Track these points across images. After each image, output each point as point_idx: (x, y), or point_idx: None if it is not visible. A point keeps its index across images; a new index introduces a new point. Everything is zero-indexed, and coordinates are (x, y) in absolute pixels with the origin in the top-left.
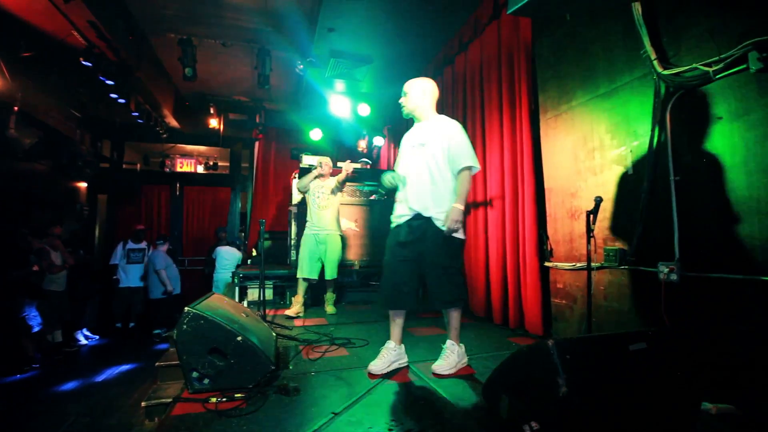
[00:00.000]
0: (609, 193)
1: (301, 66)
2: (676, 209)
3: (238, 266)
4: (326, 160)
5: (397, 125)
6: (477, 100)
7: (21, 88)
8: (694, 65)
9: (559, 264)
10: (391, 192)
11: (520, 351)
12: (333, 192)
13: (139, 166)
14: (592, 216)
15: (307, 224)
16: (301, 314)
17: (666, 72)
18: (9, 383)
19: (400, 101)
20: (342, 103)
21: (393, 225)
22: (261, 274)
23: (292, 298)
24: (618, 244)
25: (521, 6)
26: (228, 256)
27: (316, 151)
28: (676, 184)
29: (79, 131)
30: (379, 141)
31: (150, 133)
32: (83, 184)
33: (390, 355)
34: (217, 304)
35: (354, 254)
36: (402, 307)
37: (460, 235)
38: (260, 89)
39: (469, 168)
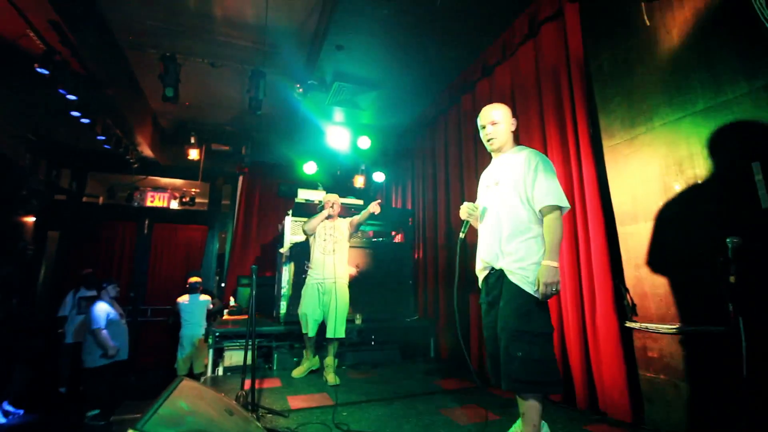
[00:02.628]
0: (732, 231)
1: (301, 89)
2: None
3: (211, 319)
4: (335, 198)
5: (399, 161)
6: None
7: None
8: None
9: (652, 326)
10: (469, 229)
11: None
12: (350, 235)
13: (101, 199)
14: (729, 263)
15: (310, 272)
16: (315, 366)
17: None
18: None
19: (487, 133)
20: (340, 135)
21: (479, 281)
22: (251, 331)
23: (304, 352)
24: (752, 301)
25: None
26: (195, 308)
27: (308, 186)
28: None
29: (30, 156)
30: (379, 177)
31: (119, 162)
32: (31, 219)
33: None
34: (183, 409)
35: (354, 307)
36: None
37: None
38: (247, 118)
39: (557, 208)
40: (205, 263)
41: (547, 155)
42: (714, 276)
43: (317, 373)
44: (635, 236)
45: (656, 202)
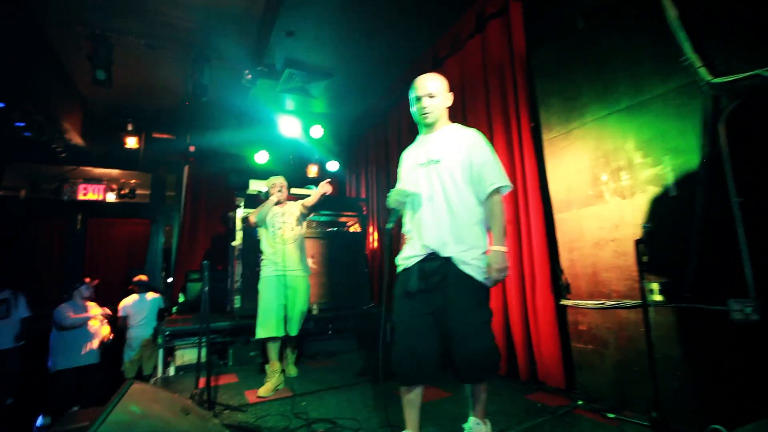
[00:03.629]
0: (647, 217)
1: (249, 76)
2: (744, 236)
3: (162, 316)
4: (281, 181)
5: (353, 150)
6: (458, 121)
7: None
8: (756, 72)
9: (582, 302)
10: (398, 219)
11: None
12: (299, 220)
13: (23, 192)
14: (642, 246)
15: (265, 263)
16: (281, 386)
17: (718, 80)
18: None
19: (422, 105)
20: (292, 124)
21: (399, 269)
22: (205, 328)
23: (267, 366)
24: (661, 278)
25: None
26: (144, 308)
27: (260, 176)
28: (740, 207)
29: None
30: (333, 166)
31: (42, 151)
32: None
33: None
34: (135, 413)
35: (311, 296)
36: (423, 380)
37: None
38: (192, 104)
39: (499, 190)
40: (149, 259)
41: (493, 146)
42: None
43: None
44: (569, 222)
45: (586, 191)
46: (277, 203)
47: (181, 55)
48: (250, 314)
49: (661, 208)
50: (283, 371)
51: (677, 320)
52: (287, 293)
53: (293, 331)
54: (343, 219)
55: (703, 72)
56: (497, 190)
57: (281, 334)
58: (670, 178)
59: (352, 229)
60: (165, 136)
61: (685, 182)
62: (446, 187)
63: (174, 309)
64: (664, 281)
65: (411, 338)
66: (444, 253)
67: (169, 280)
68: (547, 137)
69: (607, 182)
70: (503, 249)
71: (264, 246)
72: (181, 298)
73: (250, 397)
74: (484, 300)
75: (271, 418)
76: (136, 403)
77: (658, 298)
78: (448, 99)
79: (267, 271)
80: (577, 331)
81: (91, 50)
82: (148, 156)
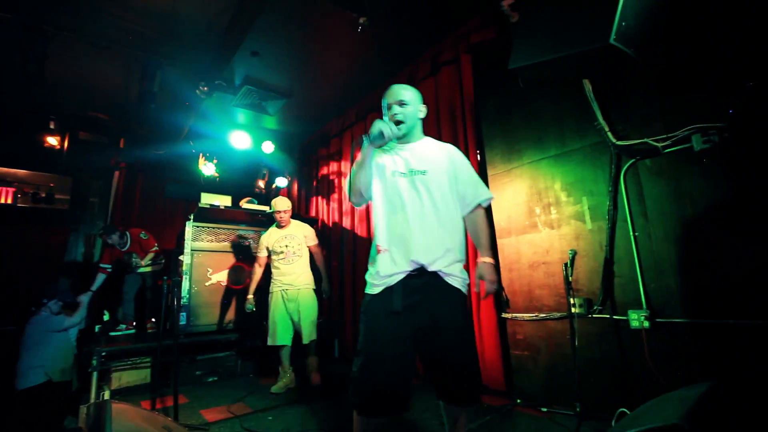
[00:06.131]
0: (571, 245)
1: (206, 88)
2: (638, 262)
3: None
4: (284, 206)
5: (303, 168)
6: None
7: None
8: (645, 140)
9: (519, 315)
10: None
11: None
12: (304, 242)
13: None
14: (569, 267)
15: (273, 280)
16: (292, 385)
17: (620, 143)
18: None
19: (394, 113)
20: (242, 138)
21: (378, 288)
22: (157, 347)
23: (279, 368)
24: (582, 294)
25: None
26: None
27: (206, 188)
28: (635, 239)
29: None
30: (281, 182)
31: None
32: None
33: None
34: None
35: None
36: (396, 410)
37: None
38: (128, 107)
39: (482, 203)
40: (66, 272)
41: None
42: (570, 276)
43: (229, 385)
44: (509, 246)
45: (524, 221)
46: (280, 226)
47: (127, 59)
48: (196, 332)
49: (581, 238)
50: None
51: (594, 329)
52: (294, 307)
53: (304, 340)
54: None
55: (610, 135)
56: (481, 204)
57: (287, 342)
58: (588, 214)
59: None
60: (94, 137)
61: (598, 218)
62: (435, 200)
63: (96, 328)
64: (584, 297)
65: (388, 365)
66: (432, 267)
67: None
68: (491, 173)
69: (540, 215)
70: (492, 261)
71: (272, 266)
72: (106, 316)
73: (208, 415)
74: (470, 314)
75: None
76: (127, 420)
77: (579, 310)
78: (422, 111)
79: (274, 287)
80: (515, 340)
81: (23, 41)
82: (70, 159)
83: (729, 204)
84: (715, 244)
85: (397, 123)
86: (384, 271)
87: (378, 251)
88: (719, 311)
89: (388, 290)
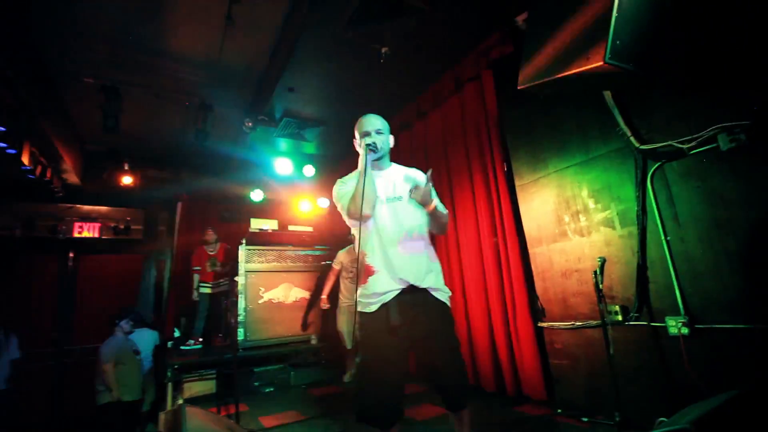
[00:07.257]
0: (602, 252)
1: (250, 124)
2: (673, 266)
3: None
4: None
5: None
6: (442, 166)
7: None
8: (669, 143)
9: (555, 324)
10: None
11: None
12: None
13: (18, 231)
14: (599, 275)
15: (342, 298)
16: None
17: (644, 147)
18: None
19: (373, 141)
20: (285, 164)
21: (374, 306)
22: (218, 360)
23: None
24: (617, 301)
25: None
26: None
27: (255, 213)
28: (668, 243)
29: None
30: (324, 203)
31: (39, 190)
32: None
33: None
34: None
35: (309, 327)
36: (396, 420)
37: None
38: (187, 144)
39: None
40: (143, 295)
41: (474, 191)
42: (601, 284)
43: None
44: (541, 255)
45: (553, 230)
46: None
47: (182, 103)
48: (253, 346)
49: (612, 245)
50: None
51: (631, 336)
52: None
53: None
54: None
55: (633, 140)
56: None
57: None
58: (617, 220)
59: None
60: (160, 173)
61: (628, 224)
62: (415, 223)
63: (170, 344)
64: (619, 304)
65: (391, 378)
66: (422, 285)
67: (162, 314)
68: (518, 183)
69: (569, 223)
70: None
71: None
72: (177, 333)
73: (265, 422)
74: (454, 323)
75: None
76: (199, 422)
77: (615, 318)
78: (391, 140)
79: (342, 302)
80: (553, 349)
81: (103, 101)
82: (141, 193)
83: (765, 202)
84: (753, 244)
85: (375, 149)
86: (380, 289)
87: (371, 272)
88: (764, 315)
89: (384, 307)
